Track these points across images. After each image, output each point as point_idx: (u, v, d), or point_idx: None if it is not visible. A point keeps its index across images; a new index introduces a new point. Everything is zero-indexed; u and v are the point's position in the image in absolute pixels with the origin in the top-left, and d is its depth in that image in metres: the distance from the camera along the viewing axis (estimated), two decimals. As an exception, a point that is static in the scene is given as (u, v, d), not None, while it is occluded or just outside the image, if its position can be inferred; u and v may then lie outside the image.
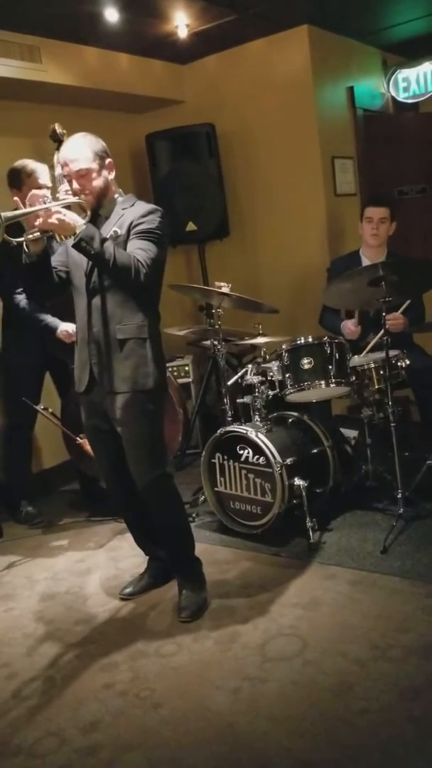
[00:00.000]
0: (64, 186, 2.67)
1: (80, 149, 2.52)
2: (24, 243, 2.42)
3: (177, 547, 2.80)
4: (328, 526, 3.28)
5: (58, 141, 3.80)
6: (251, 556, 3.15)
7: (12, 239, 2.35)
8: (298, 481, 3.15)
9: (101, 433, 2.74)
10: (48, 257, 2.57)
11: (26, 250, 2.47)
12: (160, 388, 2.66)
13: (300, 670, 2.26)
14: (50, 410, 3.66)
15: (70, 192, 2.56)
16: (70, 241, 2.40)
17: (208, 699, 2.18)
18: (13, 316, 3.68)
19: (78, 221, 2.38)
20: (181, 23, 4.05)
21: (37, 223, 2.36)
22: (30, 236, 2.40)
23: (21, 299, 3.59)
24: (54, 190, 3.51)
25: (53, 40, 3.98)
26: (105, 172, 2.56)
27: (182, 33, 4.14)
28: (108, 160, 2.58)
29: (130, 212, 2.56)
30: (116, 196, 2.63)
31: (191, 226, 4.66)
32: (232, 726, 2.05)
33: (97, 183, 2.54)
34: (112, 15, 3.70)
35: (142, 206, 2.59)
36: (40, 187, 3.47)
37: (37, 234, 2.40)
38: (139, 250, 2.46)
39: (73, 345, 3.59)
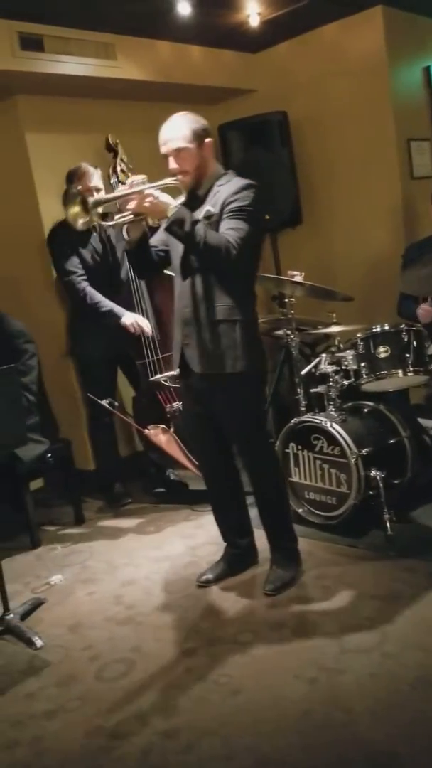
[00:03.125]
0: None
1: (178, 128, 2.53)
2: (125, 230, 2.46)
3: (276, 513, 2.87)
4: (407, 518, 3.23)
5: (113, 151, 3.98)
6: (327, 547, 3.13)
7: (106, 222, 2.43)
8: (374, 472, 3.10)
9: (202, 419, 2.83)
10: (147, 242, 2.61)
11: (126, 236, 2.52)
12: (254, 372, 2.67)
13: (378, 662, 2.24)
14: (116, 404, 3.74)
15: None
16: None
17: (285, 688, 2.20)
18: (81, 308, 3.81)
19: (171, 203, 2.39)
20: (253, 12, 4.02)
21: (129, 206, 2.39)
22: (120, 219, 2.44)
23: (85, 286, 3.73)
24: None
25: (127, 36, 4.04)
26: (203, 152, 2.57)
27: (254, 21, 4.10)
28: (207, 140, 2.58)
29: (225, 189, 2.55)
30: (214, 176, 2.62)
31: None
32: (309, 716, 2.05)
33: (194, 162, 2.54)
34: (184, 8, 3.72)
35: (237, 182, 2.57)
36: (89, 188, 3.61)
37: (130, 217, 2.43)
38: (231, 230, 2.45)
39: (138, 339, 3.72)
